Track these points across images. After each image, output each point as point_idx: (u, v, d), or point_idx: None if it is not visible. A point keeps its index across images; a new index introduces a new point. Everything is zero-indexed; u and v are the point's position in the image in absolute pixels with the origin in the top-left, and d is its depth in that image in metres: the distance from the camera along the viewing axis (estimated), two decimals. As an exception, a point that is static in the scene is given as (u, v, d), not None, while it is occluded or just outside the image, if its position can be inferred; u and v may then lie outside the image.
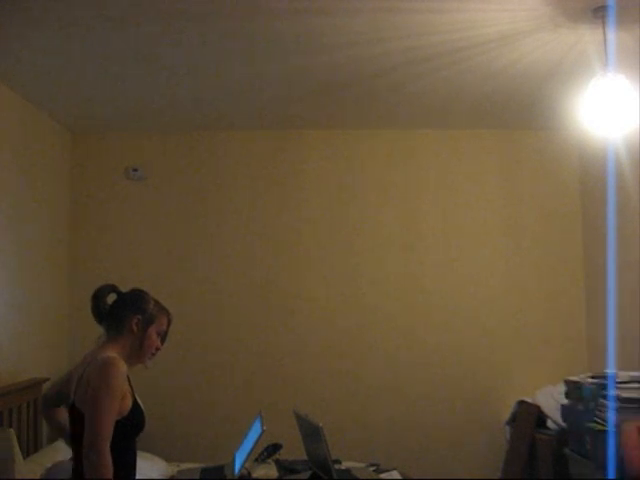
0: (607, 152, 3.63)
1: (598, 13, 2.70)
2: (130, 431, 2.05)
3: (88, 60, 3.27)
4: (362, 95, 3.88)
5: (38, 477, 2.96)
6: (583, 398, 3.20)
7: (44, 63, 3.30)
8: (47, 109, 4.03)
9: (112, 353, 2.04)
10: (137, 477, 2.13)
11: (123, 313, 2.17)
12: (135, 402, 2.07)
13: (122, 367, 2.01)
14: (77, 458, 2.02)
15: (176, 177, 4.56)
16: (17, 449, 2.90)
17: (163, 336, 2.24)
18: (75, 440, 2.03)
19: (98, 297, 2.19)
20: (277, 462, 3.29)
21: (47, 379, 3.72)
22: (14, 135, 3.69)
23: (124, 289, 2.25)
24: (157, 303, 2.25)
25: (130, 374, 2.12)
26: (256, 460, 3.37)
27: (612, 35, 2.76)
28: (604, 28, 2.74)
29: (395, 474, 3.15)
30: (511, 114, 4.26)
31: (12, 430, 2.97)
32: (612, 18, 2.69)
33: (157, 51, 3.20)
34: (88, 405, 1.95)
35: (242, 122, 4.43)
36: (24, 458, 3.05)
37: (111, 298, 2.22)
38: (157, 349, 2.22)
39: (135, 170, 4.52)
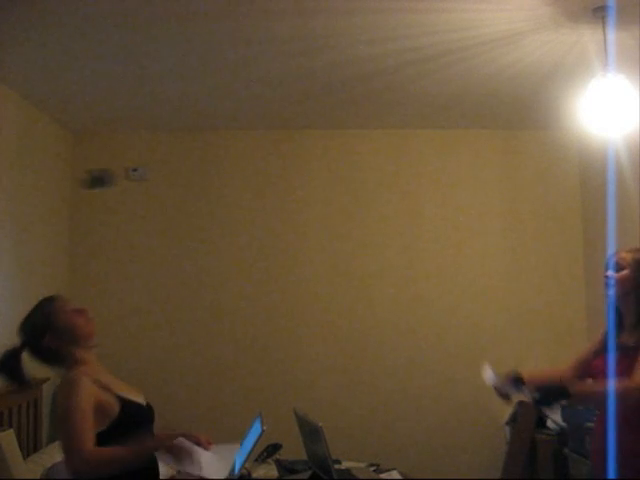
0: (607, 152, 3.62)
1: (598, 13, 2.70)
2: (134, 427, 2.00)
3: (88, 60, 3.27)
4: (362, 95, 3.88)
5: (38, 477, 2.96)
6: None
7: (44, 63, 3.29)
8: (47, 109, 4.02)
9: (70, 373, 2.01)
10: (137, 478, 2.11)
11: (40, 346, 2.06)
12: (123, 400, 2.03)
13: (80, 381, 1.96)
14: None
15: (176, 177, 4.56)
16: (17, 449, 2.90)
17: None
18: None
19: (5, 367, 2.09)
20: (277, 462, 3.29)
21: (47, 379, 3.71)
22: (14, 135, 3.69)
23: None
24: (40, 306, 2.15)
25: (124, 377, 2.11)
26: (256, 460, 3.37)
27: (612, 35, 2.76)
28: (604, 28, 2.74)
29: (395, 474, 3.15)
30: (511, 114, 4.26)
31: (12, 430, 2.97)
32: (612, 18, 2.68)
33: (157, 51, 3.19)
34: (59, 428, 1.96)
35: (242, 122, 4.43)
36: (24, 458, 3.05)
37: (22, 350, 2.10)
38: (84, 315, 2.12)
39: (135, 170, 4.51)
